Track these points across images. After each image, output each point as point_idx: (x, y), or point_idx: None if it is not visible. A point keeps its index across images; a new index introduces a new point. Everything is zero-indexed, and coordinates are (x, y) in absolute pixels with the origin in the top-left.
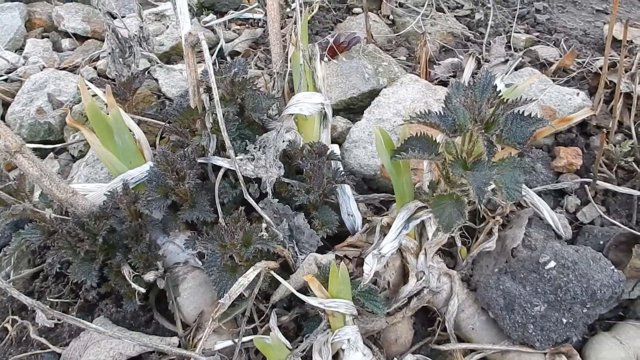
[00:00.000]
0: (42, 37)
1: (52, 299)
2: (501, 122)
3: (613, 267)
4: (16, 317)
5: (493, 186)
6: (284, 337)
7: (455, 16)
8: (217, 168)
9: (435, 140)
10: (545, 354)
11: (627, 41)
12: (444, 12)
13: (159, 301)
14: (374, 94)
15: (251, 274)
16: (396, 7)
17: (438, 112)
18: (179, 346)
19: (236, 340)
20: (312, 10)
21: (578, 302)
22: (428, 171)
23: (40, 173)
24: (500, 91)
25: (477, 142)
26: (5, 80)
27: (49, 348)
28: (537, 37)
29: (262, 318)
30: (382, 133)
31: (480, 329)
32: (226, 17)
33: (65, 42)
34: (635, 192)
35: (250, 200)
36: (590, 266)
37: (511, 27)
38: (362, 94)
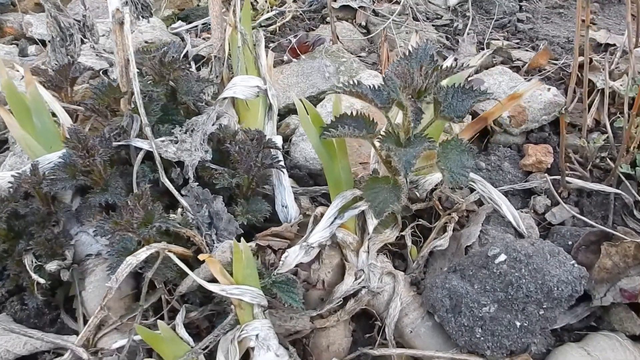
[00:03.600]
0: (12, 44)
1: None
2: (441, 95)
3: (574, 262)
4: None
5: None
6: (187, 333)
7: (433, 25)
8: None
9: (373, 120)
10: None
11: (608, 45)
12: (417, 21)
13: (68, 299)
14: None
15: (143, 253)
16: (371, 15)
17: (372, 85)
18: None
19: (133, 337)
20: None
21: (532, 301)
22: (375, 162)
23: None
24: (437, 60)
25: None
26: None
27: None
28: (517, 43)
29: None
30: (308, 106)
31: (425, 335)
32: (194, 24)
33: (32, 48)
34: (609, 189)
35: (166, 183)
36: (547, 260)
37: (491, 34)
38: (321, 92)
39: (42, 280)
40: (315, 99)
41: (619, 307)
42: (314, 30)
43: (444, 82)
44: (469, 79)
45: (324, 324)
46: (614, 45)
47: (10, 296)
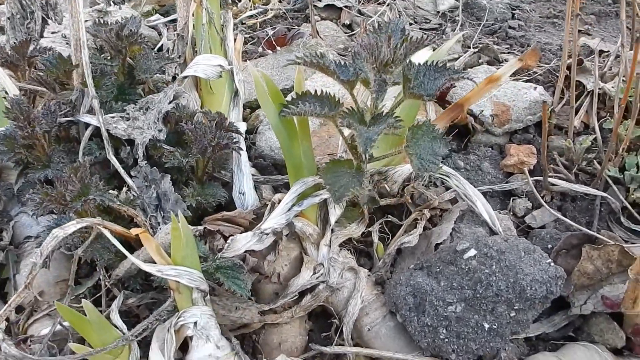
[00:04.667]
0: None
1: None
2: (411, 73)
3: (550, 260)
4: None
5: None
6: (121, 321)
7: (421, 29)
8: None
9: (338, 100)
10: None
11: (602, 51)
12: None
13: (1, 284)
14: None
15: (72, 226)
16: (356, 15)
17: (337, 60)
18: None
19: (62, 321)
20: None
21: (503, 300)
22: (342, 151)
23: None
24: (407, 33)
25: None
26: None
27: None
28: (507, 49)
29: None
30: (266, 79)
31: (386, 336)
32: (172, 17)
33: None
34: (595, 192)
35: (113, 161)
36: (521, 258)
37: (480, 38)
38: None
39: None
40: (290, 91)
41: (600, 316)
42: (296, 28)
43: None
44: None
45: (276, 320)
46: (607, 51)
47: None
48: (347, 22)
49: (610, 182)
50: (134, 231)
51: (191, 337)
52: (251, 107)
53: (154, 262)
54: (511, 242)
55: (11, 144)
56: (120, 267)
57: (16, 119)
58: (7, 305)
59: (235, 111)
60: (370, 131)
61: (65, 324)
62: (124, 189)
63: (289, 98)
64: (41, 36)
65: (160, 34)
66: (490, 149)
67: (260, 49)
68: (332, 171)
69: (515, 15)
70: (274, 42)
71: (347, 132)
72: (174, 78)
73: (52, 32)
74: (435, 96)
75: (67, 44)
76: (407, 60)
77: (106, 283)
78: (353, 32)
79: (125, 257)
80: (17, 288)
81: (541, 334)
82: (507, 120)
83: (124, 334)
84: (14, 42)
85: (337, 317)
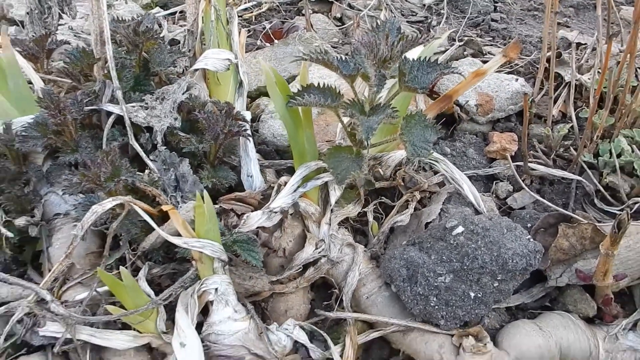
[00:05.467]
0: None
1: None
2: (406, 67)
3: (529, 236)
4: None
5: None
6: (148, 287)
7: (408, 22)
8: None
9: (339, 92)
10: (452, 335)
11: (579, 44)
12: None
13: (36, 257)
14: None
15: (109, 203)
16: (347, 9)
17: (339, 56)
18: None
19: (96, 287)
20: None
21: (487, 272)
22: (340, 138)
23: None
24: (403, 32)
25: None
26: None
27: None
28: (490, 41)
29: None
30: (275, 74)
31: (382, 304)
32: (171, 10)
33: (12, 29)
34: (569, 175)
35: (135, 146)
36: (504, 234)
37: (464, 31)
38: (292, 76)
39: (10, 234)
40: (288, 83)
41: (574, 288)
42: (290, 20)
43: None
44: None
45: (282, 289)
46: (585, 44)
47: None
48: (338, 15)
49: (585, 167)
50: (164, 207)
51: (211, 302)
52: (251, 97)
53: (179, 236)
54: (495, 221)
55: (43, 130)
56: (147, 240)
57: (47, 108)
58: (51, 272)
59: (240, 101)
60: (371, 120)
61: (100, 289)
62: (146, 171)
63: (294, 90)
64: (56, 30)
65: (160, 25)
66: (475, 136)
67: (258, 42)
68: (334, 156)
69: (498, 8)
70: (271, 35)
71: (345, 120)
72: (183, 70)
73: (60, 25)
74: (427, 89)
75: (75, 36)
76: (402, 56)
77: (131, 256)
78: (344, 25)
79: (150, 231)
80: (51, 259)
81: (520, 304)
82: (490, 109)
83: (152, 298)
84: (33, 35)
85: (337, 288)
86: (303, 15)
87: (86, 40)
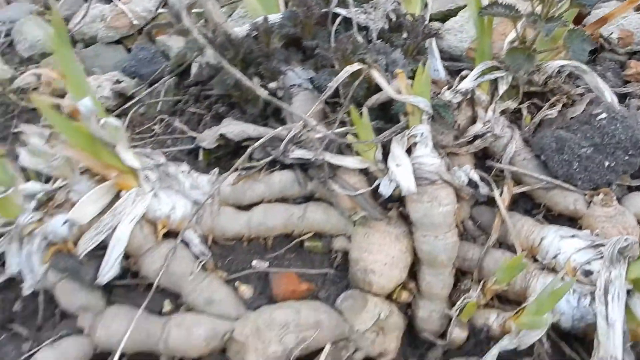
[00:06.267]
0: None
1: (191, 110)
2: None
3: None
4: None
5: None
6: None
7: None
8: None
9: (517, 8)
10: (585, 195)
11: None
12: None
13: (274, 113)
14: None
15: (350, 69)
16: None
17: None
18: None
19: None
20: None
21: (621, 147)
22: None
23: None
24: None
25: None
26: None
27: (187, 133)
28: None
29: None
30: None
31: (531, 169)
32: None
33: None
34: None
35: (358, 37)
36: (638, 123)
37: None
38: (458, 7)
39: (265, 93)
40: (453, 12)
41: None
42: None
43: None
44: None
45: (457, 151)
46: None
47: (232, 109)
48: None
49: None
50: (397, 71)
51: (415, 144)
52: (431, 19)
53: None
54: (632, 112)
55: (295, 21)
56: (370, 100)
57: (299, 5)
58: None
59: (426, 12)
60: (550, 25)
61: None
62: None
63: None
64: None
65: None
66: (614, 62)
67: None
68: (511, 55)
69: None
70: None
71: (512, 35)
72: None
73: None
74: (593, 5)
75: None
76: None
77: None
78: None
79: (375, 92)
80: (292, 115)
81: (639, 185)
82: (630, 42)
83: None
84: None
85: (497, 159)
86: None
87: None
